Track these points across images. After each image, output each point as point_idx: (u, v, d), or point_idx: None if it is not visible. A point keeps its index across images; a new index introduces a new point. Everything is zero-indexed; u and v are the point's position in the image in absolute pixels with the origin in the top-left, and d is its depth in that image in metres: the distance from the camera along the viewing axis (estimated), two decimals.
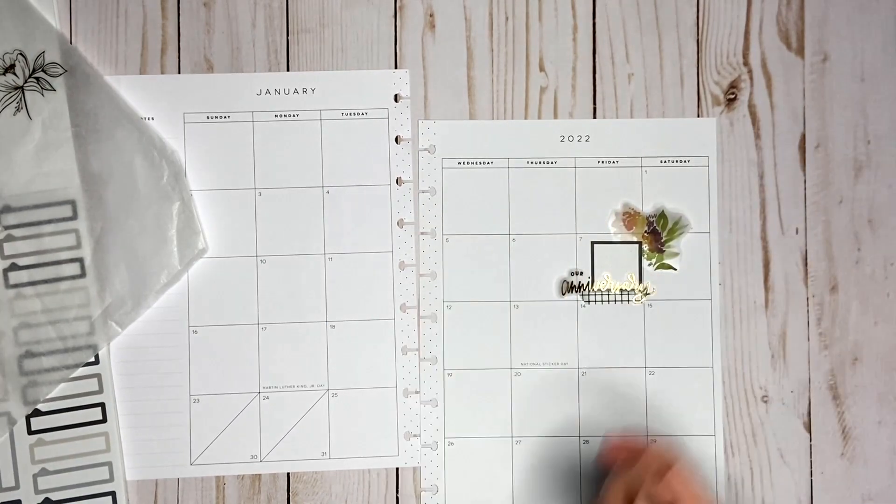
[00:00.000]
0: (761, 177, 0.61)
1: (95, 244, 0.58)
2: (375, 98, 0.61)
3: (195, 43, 0.61)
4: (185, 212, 0.59)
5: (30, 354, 0.58)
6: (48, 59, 0.58)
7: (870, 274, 0.61)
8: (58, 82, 0.58)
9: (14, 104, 0.58)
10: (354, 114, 0.61)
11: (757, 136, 0.61)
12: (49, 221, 0.58)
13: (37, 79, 0.58)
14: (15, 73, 0.58)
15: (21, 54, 0.58)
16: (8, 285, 0.58)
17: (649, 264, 0.61)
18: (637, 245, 0.61)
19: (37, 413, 0.58)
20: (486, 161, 0.61)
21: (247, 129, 0.61)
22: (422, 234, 0.61)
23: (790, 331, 0.61)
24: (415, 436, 0.60)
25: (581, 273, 0.61)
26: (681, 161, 0.61)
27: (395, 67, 0.61)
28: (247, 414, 0.60)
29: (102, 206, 0.59)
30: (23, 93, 0.58)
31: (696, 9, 0.62)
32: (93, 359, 0.58)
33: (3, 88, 0.58)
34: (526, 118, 0.61)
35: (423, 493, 0.60)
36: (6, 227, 0.58)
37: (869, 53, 0.62)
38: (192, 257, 0.59)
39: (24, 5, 0.59)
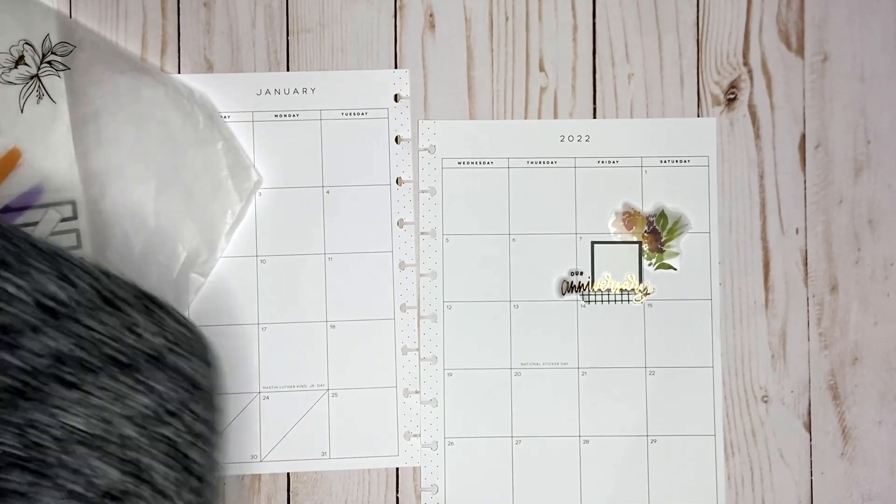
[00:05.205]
0: (761, 177, 0.61)
1: (155, 206, 0.58)
2: (375, 98, 0.61)
3: (195, 43, 0.61)
4: (230, 150, 0.59)
5: None
6: (55, 39, 0.58)
7: (870, 274, 0.61)
8: (70, 60, 0.58)
9: (35, 93, 0.57)
10: (354, 114, 0.61)
11: (757, 136, 0.61)
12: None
13: (49, 62, 0.57)
14: (26, 63, 0.57)
15: (27, 43, 0.58)
16: None
17: (649, 264, 0.61)
18: (637, 245, 0.61)
19: None
20: (486, 161, 0.61)
21: (247, 128, 0.61)
22: (422, 234, 0.61)
23: (790, 331, 0.61)
24: (415, 436, 0.60)
25: (581, 273, 0.61)
26: (681, 161, 0.61)
27: (395, 67, 0.61)
28: (247, 414, 0.60)
29: (150, 168, 0.58)
30: (39, 80, 0.57)
31: (696, 9, 0.62)
32: None
33: (20, 81, 0.57)
34: (526, 118, 0.61)
35: (423, 493, 0.60)
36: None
37: (869, 53, 0.62)
38: (249, 190, 0.59)
39: None
